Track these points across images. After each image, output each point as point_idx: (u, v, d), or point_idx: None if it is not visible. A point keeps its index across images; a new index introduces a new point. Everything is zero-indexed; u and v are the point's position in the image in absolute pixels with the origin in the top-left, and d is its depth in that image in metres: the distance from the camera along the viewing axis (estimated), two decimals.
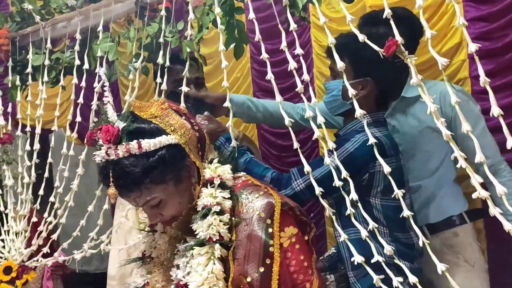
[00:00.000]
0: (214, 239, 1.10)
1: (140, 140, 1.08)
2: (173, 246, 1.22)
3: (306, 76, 1.12)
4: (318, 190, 1.13)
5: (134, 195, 1.11)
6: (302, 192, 1.43)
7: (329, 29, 2.25)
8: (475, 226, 1.82)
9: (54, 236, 1.86)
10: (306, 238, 1.18)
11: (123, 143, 1.08)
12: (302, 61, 1.14)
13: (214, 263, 1.09)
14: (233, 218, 1.14)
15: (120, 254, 1.92)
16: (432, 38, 2.10)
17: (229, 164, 1.22)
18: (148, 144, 1.08)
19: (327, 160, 1.18)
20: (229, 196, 1.16)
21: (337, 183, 1.15)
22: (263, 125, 2.80)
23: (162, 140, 1.10)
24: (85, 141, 1.60)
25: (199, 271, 1.08)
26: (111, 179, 1.08)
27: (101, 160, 1.10)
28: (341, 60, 1.07)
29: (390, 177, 1.03)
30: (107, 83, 1.22)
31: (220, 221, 1.12)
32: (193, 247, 1.11)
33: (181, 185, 1.15)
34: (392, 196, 1.05)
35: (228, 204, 1.15)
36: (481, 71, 0.85)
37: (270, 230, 1.11)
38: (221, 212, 1.13)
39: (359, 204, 1.16)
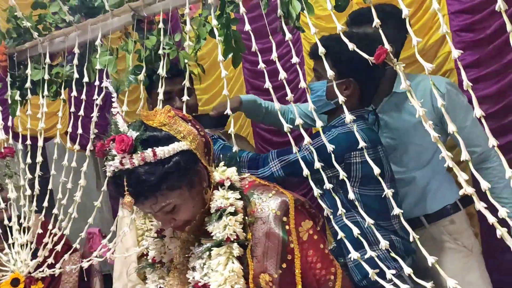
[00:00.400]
0: (232, 239, 1.14)
1: (154, 148, 1.10)
2: (186, 249, 1.24)
3: (303, 84, 1.17)
4: (316, 192, 1.17)
5: (150, 202, 1.13)
6: (277, 172, 1.56)
7: (318, 27, 2.32)
8: (468, 211, 1.91)
9: (58, 247, 1.89)
10: (318, 228, 1.23)
11: (138, 152, 1.09)
12: (298, 68, 1.18)
13: (233, 262, 1.13)
14: (246, 218, 1.18)
15: (123, 265, 1.93)
16: (418, 31, 2.17)
17: (234, 166, 1.25)
18: (163, 151, 1.10)
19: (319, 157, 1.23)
20: (240, 197, 1.20)
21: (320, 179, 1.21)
22: (258, 123, 2.86)
23: (175, 146, 1.12)
24: (87, 152, 1.67)
25: (219, 271, 1.12)
26: (126, 188, 1.09)
27: (114, 170, 1.11)
28: (326, 60, 1.12)
29: (380, 179, 1.08)
30: (114, 94, 1.23)
31: (236, 221, 1.15)
32: (211, 248, 1.14)
33: (194, 189, 1.17)
34: (383, 194, 1.10)
35: (240, 204, 1.18)
36: (464, 75, 0.91)
37: (287, 227, 1.16)
38: (235, 213, 1.16)
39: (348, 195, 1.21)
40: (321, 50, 1.12)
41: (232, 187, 1.21)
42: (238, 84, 2.91)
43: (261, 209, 1.19)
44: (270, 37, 1.27)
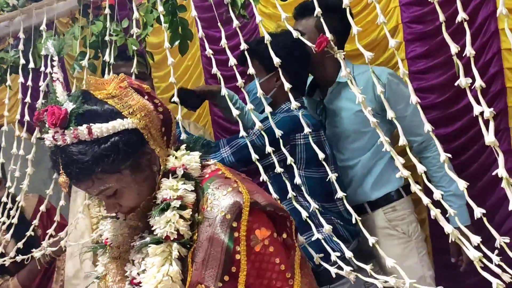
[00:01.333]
0: (172, 238, 0.99)
1: (91, 124, 0.96)
2: (132, 237, 1.11)
3: (251, 70, 1.19)
4: (264, 177, 1.20)
5: (84, 185, 1.01)
6: (228, 157, 1.63)
7: (275, 16, 2.32)
8: (416, 198, 1.97)
9: (7, 237, 1.84)
10: (284, 236, 1.04)
11: (71, 127, 0.96)
12: (247, 54, 1.20)
13: (171, 264, 0.98)
14: (196, 215, 1.02)
15: (75, 245, 1.89)
16: (370, 23, 2.21)
17: (198, 151, 1.10)
18: (100, 129, 0.96)
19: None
20: (193, 188, 1.04)
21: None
22: (217, 112, 2.85)
23: (116, 124, 0.98)
24: (32, 139, 1.63)
25: (153, 272, 0.98)
26: (60, 166, 0.97)
27: (49, 144, 0.99)
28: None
29: (324, 163, 1.12)
30: (56, 58, 1.11)
31: (181, 217, 1.00)
32: (149, 245, 1.00)
33: (140, 174, 1.03)
34: (327, 177, 1.14)
35: (191, 198, 1.03)
36: (400, 64, 0.94)
37: (236, 234, 0.98)
38: (182, 207, 1.01)
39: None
40: (267, 37, 1.14)
41: (186, 176, 1.05)
42: (197, 72, 2.89)
43: (211, 207, 1.01)
44: (219, 24, 1.27)
